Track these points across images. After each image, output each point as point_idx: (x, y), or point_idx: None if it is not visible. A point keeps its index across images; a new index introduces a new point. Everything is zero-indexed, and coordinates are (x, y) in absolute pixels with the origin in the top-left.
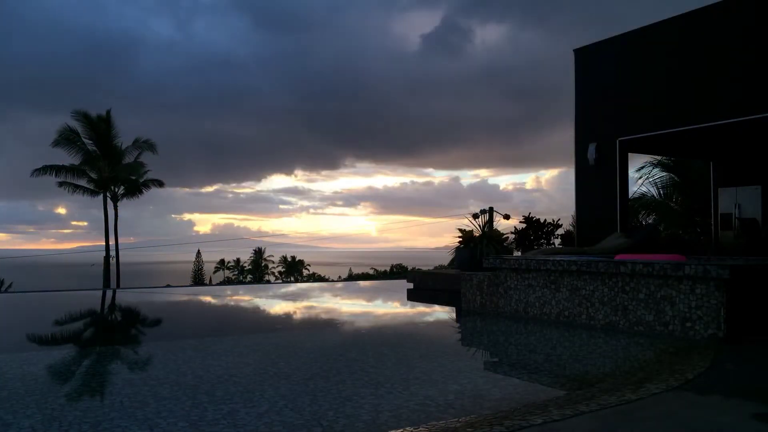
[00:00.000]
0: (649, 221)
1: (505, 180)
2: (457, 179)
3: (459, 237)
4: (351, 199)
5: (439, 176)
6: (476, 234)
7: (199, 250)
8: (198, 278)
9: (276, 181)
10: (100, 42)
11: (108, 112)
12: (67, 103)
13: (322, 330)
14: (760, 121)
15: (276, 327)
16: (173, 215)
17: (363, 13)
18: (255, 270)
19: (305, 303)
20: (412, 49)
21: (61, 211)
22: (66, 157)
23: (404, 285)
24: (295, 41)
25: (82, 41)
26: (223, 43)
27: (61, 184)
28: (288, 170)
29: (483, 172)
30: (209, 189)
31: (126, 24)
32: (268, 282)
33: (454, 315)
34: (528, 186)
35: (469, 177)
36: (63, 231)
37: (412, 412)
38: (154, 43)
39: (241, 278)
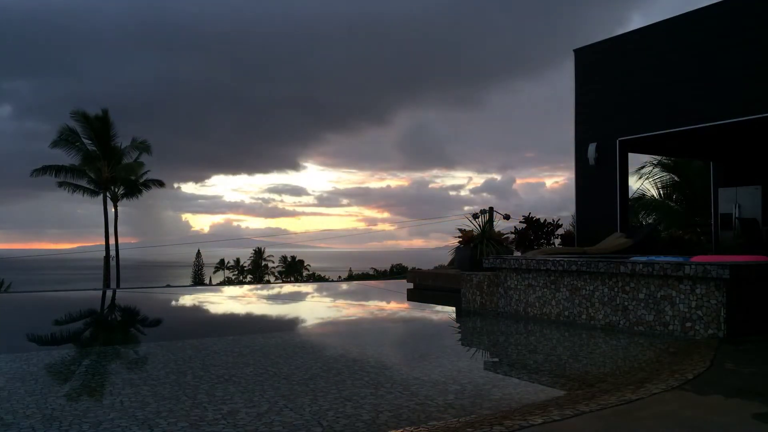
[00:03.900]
0: (649, 221)
1: None
2: None
3: (459, 237)
4: (335, 198)
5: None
6: (476, 234)
7: (199, 251)
8: (198, 278)
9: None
10: None
11: (105, 112)
12: None
13: (322, 330)
14: (760, 121)
15: (276, 327)
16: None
17: None
18: (255, 270)
19: (305, 303)
20: None
21: (61, 210)
22: (65, 158)
23: (404, 285)
24: None
25: None
26: None
27: (61, 184)
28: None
29: None
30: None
31: None
32: (268, 282)
33: (454, 315)
34: None
35: None
36: (63, 230)
37: (412, 412)
38: None
39: (241, 278)
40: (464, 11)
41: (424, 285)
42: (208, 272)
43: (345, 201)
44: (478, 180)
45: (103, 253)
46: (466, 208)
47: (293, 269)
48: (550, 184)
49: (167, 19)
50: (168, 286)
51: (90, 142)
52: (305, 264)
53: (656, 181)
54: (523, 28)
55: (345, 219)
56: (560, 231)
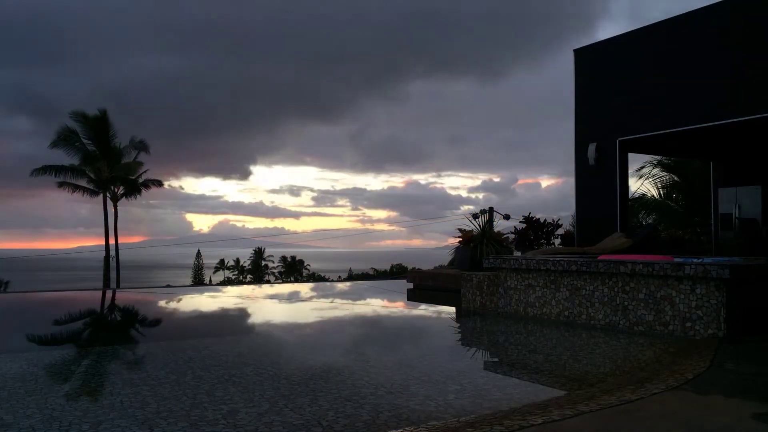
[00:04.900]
0: (649, 221)
1: None
2: None
3: (459, 237)
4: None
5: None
6: (476, 234)
7: (199, 251)
8: (198, 278)
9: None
10: None
11: (103, 112)
12: None
13: (323, 330)
14: (760, 121)
15: (276, 327)
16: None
17: None
18: (255, 270)
19: (305, 303)
20: None
21: (62, 210)
22: (65, 158)
23: (404, 285)
24: None
25: None
26: None
27: (60, 184)
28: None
29: None
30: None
31: None
32: (268, 282)
33: (454, 315)
34: None
35: None
36: (63, 230)
37: (412, 412)
38: None
39: (241, 278)
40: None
41: (424, 285)
42: (207, 273)
43: (342, 201)
44: (477, 180)
45: (103, 253)
46: (466, 207)
47: (293, 269)
48: (549, 184)
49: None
50: (168, 286)
51: (89, 142)
52: (305, 264)
53: (656, 181)
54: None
55: (342, 219)
56: (560, 231)
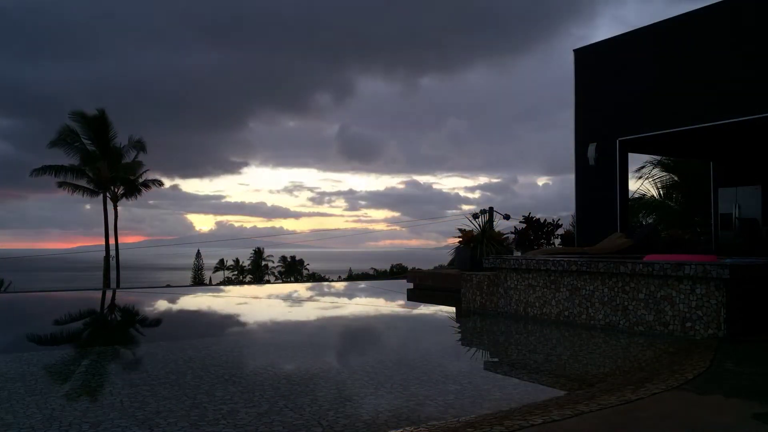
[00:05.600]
0: (649, 221)
1: None
2: None
3: (459, 237)
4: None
5: None
6: (476, 234)
7: (198, 251)
8: (198, 278)
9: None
10: None
11: (102, 112)
12: None
13: (322, 330)
14: (760, 121)
15: (276, 327)
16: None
17: None
18: (255, 270)
19: (305, 303)
20: None
21: (61, 209)
22: (65, 158)
23: (404, 285)
24: None
25: None
26: None
27: (60, 184)
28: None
29: None
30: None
31: None
32: (268, 282)
33: (454, 315)
34: None
35: None
36: (63, 230)
37: (412, 412)
38: None
39: (241, 278)
40: None
41: (424, 285)
42: (207, 273)
43: (340, 201)
44: (478, 180)
45: (103, 253)
46: (466, 207)
47: (293, 269)
48: (549, 184)
49: None
50: (168, 286)
51: (89, 142)
52: (305, 264)
53: (656, 181)
54: None
55: (341, 219)
56: (560, 231)
